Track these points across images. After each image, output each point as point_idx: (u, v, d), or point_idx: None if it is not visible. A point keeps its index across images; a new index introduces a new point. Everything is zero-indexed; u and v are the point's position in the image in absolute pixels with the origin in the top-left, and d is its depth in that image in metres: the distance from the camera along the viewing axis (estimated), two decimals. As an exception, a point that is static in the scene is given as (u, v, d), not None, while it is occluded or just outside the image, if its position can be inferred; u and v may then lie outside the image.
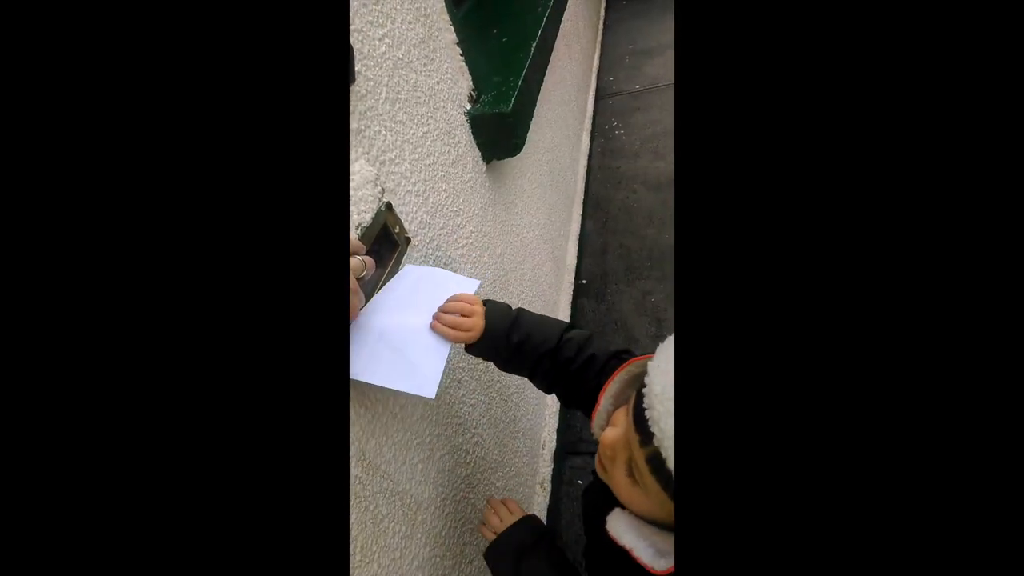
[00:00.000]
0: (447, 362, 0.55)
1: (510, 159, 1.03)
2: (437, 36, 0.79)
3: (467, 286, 0.62)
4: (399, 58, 0.66)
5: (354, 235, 0.53)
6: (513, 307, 0.62)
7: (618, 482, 0.41)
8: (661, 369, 0.37)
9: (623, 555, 0.39)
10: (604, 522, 0.42)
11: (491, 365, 0.94)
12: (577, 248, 1.88)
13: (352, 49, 0.54)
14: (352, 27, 0.56)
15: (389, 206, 0.61)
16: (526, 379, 0.63)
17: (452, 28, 0.85)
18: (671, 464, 0.34)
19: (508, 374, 0.76)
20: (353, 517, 0.52)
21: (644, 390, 0.37)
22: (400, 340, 0.54)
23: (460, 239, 0.84)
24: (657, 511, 0.39)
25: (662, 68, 2.63)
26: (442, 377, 0.53)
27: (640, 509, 0.40)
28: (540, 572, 0.54)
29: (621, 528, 0.40)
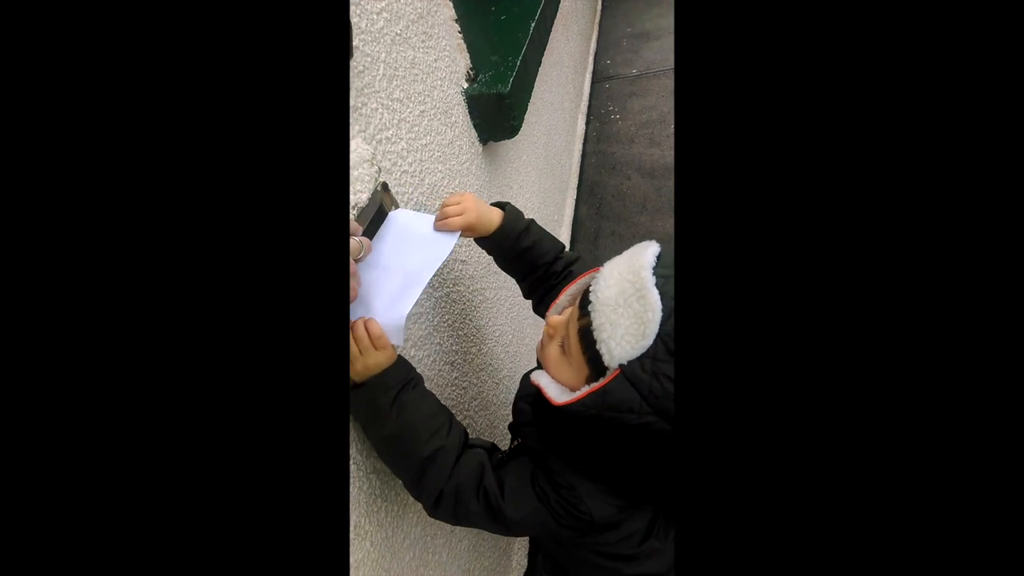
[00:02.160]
0: (410, 310, 0.53)
1: (506, 141, 1.02)
2: (436, 11, 0.77)
3: (445, 242, 0.60)
4: (397, 33, 0.64)
5: (351, 215, 0.53)
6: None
7: (550, 355, 0.52)
8: (612, 262, 0.48)
9: (536, 400, 0.53)
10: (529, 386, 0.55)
11: (484, 348, 0.95)
12: (570, 234, 1.88)
13: (350, 23, 0.52)
14: (350, -1, 0.54)
15: (385, 186, 0.60)
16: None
17: (451, 4, 0.83)
18: (595, 334, 0.45)
19: (497, 361, 0.77)
20: (347, 496, 0.52)
21: (593, 281, 0.47)
22: (366, 296, 0.54)
23: (455, 221, 0.84)
24: (572, 378, 0.49)
25: (659, 53, 2.60)
26: (405, 326, 0.53)
27: (560, 376, 0.51)
28: (423, 398, 0.54)
29: (541, 378, 0.52)
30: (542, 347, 0.55)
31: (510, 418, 0.69)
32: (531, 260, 0.68)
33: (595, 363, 0.46)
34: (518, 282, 0.73)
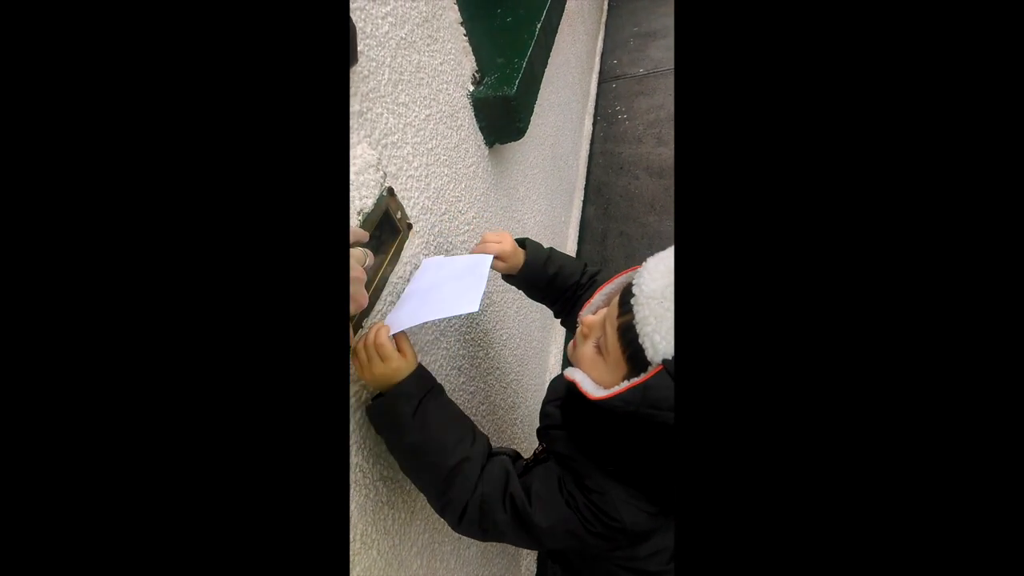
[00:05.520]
0: (487, 278, 0.57)
1: (513, 143, 1.01)
2: (441, 15, 0.77)
3: (481, 263, 0.64)
4: (402, 38, 0.64)
5: (356, 221, 0.52)
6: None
7: (584, 354, 0.52)
8: (657, 257, 0.47)
9: (566, 402, 0.54)
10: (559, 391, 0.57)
11: (491, 352, 0.94)
12: (577, 235, 1.87)
13: (355, 28, 0.52)
14: (354, 5, 0.54)
15: (391, 191, 0.60)
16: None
17: (456, 6, 0.83)
18: (638, 328, 0.44)
19: (504, 365, 0.76)
20: (354, 504, 0.52)
21: (636, 276, 0.47)
22: (438, 280, 0.58)
23: (461, 225, 0.83)
24: (608, 377, 0.48)
25: (666, 51, 2.58)
26: (483, 293, 0.54)
27: (595, 375, 0.50)
28: (445, 406, 0.54)
29: (576, 374, 0.51)
30: (575, 347, 0.54)
31: (517, 423, 0.68)
32: (559, 284, 0.69)
33: (635, 360, 0.45)
34: (550, 307, 0.74)
